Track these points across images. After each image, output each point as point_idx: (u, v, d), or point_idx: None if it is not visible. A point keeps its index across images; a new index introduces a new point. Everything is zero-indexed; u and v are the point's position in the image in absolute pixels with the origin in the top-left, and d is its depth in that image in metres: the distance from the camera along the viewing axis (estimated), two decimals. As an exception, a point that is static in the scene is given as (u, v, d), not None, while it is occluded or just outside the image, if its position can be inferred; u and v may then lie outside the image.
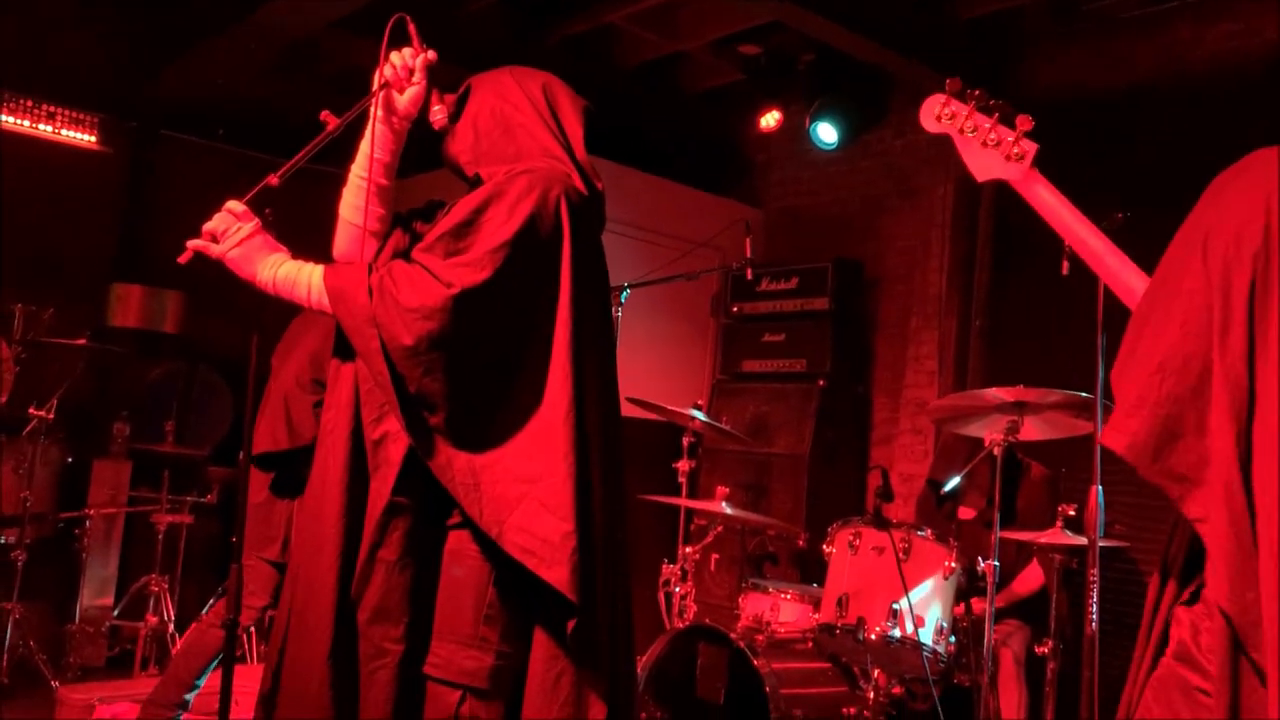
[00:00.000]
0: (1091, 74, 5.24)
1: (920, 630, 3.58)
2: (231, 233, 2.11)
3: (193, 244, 2.10)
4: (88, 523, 5.13)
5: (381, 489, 2.06)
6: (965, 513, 4.34)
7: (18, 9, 5.54)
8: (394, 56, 2.17)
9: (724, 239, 5.67)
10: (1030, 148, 1.91)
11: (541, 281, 2.09)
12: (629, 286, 4.35)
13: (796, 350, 5.79)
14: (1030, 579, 4.14)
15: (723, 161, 6.91)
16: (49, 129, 6.01)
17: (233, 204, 2.13)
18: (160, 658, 4.92)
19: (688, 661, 3.96)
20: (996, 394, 3.52)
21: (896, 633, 3.58)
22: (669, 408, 4.42)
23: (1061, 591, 3.71)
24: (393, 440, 2.06)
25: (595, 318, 2.20)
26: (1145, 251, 1.79)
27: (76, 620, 5.06)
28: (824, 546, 3.91)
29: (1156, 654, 1.68)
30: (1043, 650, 3.68)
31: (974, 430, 3.70)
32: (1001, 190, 2.14)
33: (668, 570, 4.41)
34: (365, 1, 4.75)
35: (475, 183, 2.22)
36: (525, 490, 2.00)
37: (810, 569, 5.17)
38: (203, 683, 3.47)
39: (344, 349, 2.15)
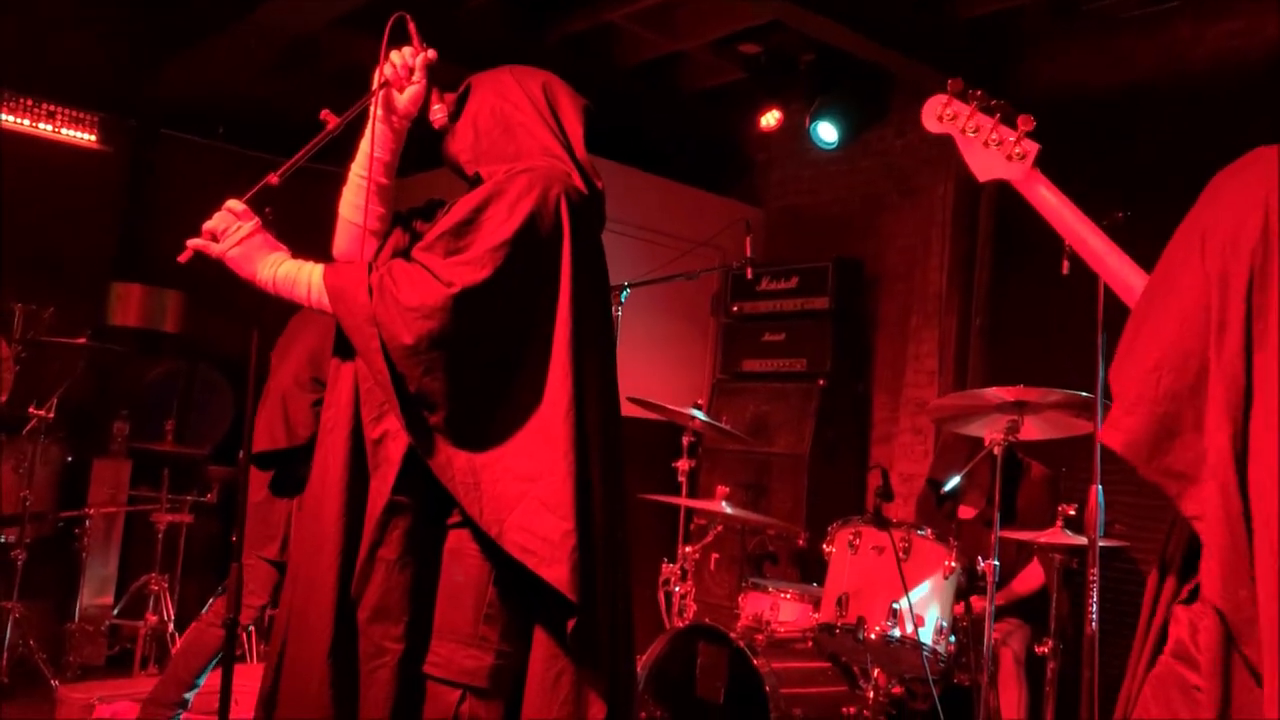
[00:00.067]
0: (1092, 73, 5.23)
1: (920, 630, 3.58)
2: (231, 232, 2.11)
3: (193, 243, 2.10)
4: (88, 522, 5.13)
5: (381, 488, 2.06)
6: (965, 512, 4.34)
7: (18, 8, 5.54)
8: (394, 55, 2.17)
9: (724, 238, 5.67)
10: (1032, 147, 1.92)
11: (542, 280, 2.09)
12: (629, 286, 4.36)
13: (796, 349, 5.79)
14: (1030, 578, 4.14)
15: (723, 161, 6.91)
16: (49, 128, 6.00)
17: (233, 203, 2.13)
18: (160, 657, 4.92)
19: (687, 661, 3.96)
20: (997, 393, 3.52)
21: (896, 632, 3.58)
22: (669, 407, 4.42)
23: (1062, 591, 3.71)
24: (393, 439, 2.06)
25: (595, 317, 2.19)
26: (1146, 251, 1.79)
27: (76, 619, 5.06)
28: (824, 546, 3.91)
29: (1155, 652, 1.68)
30: (1043, 650, 3.68)
31: (974, 430, 3.70)
32: (1002, 189, 2.14)
33: (667, 569, 4.41)
34: (365, 0, 4.75)
35: (475, 182, 2.22)
36: (525, 489, 2.00)
37: (810, 568, 5.17)
38: (202, 682, 3.47)
39: (344, 348, 2.14)
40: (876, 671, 3.77)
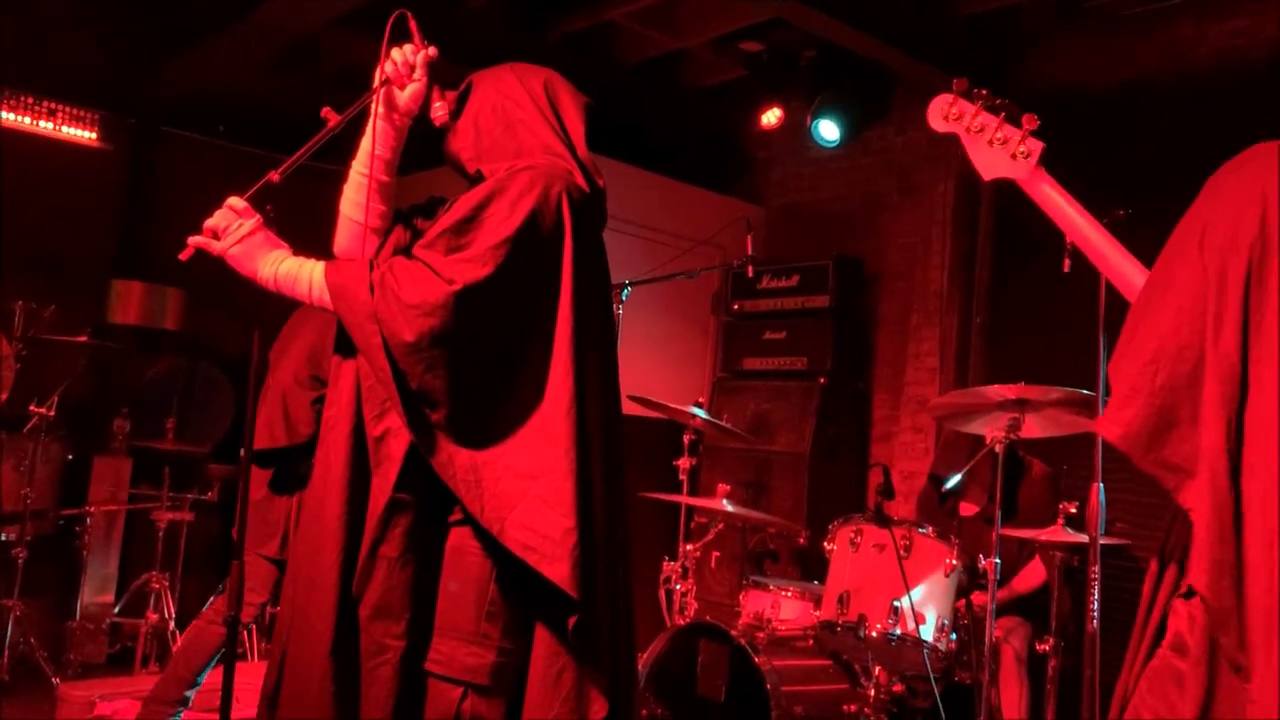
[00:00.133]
0: (1093, 71, 5.23)
1: (921, 627, 3.58)
2: (233, 229, 2.11)
3: (194, 241, 2.10)
4: (88, 520, 5.13)
5: (383, 485, 2.05)
6: (966, 509, 4.34)
7: (18, 7, 5.54)
8: (395, 53, 2.17)
9: (725, 236, 5.67)
10: (1036, 146, 1.93)
11: (543, 278, 2.09)
12: (630, 284, 4.36)
13: (797, 348, 5.79)
14: (1032, 576, 4.14)
15: (724, 158, 6.91)
16: (49, 126, 6.01)
17: (234, 200, 2.12)
18: (161, 655, 4.92)
19: (688, 659, 3.96)
20: (997, 391, 3.52)
21: (898, 630, 3.58)
22: (670, 405, 4.42)
23: (1063, 589, 3.71)
24: (394, 437, 2.06)
25: (596, 315, 2.19)
26: (1147, 249, 1.80)
27: (77, 617, 5.07)
28: (825, 544, 3.91)
29: (1153, 646, 1.68)
30: (1044, 647, 3.68)
31: (975, 427, 3.69)
32: (1002, 187, 2.15)
33: (668, 567, 4.41)
34: (365, -1, 4.76)
35: (476, 179, 2.22)
36: (526, 486, 2.00)
37: (811, 566, 5.17)
38: (203, 679, 3.47)
39: (345, 345, 2.14)
40: (878, 669, 3.77)
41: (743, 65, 6.26)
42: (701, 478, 5.56)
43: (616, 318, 3.96)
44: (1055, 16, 5.38)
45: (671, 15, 5.78)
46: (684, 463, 4.62)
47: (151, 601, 4.96)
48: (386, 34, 2.14)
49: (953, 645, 3.66)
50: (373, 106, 2.19)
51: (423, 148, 2.36)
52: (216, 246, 2.11)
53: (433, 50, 2.18)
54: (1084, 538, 3.43)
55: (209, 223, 2.12)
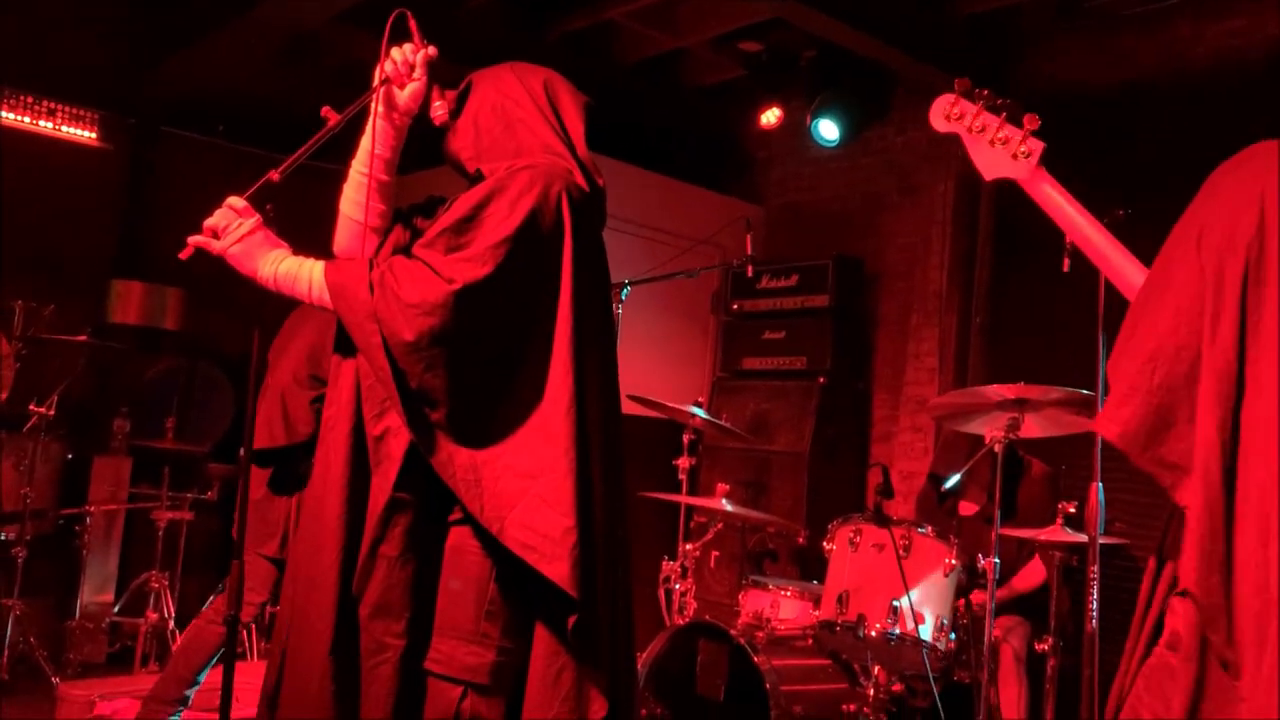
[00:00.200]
0: (1092, 71, 5.23)
1: (920, 627, 3.58)
2: (232, 229, 2.11)
3: (194, 240, 2.10)
4: (88, 519, 5.13)
5: (383, 485, 2.06)
6: (966, 509, 4.34)
7: (18, 7, 5.54)
8: (394, 52, 2.17)
9: (724, 236, 5.67)
10: (1037, 146, 1.93)
11: (543, 277, 2.09)
12: (630, 283, 4.36)
13: (797, 347, 5.79)
14: (1031, 575, 4.14)
15: (723, 158, 6.91)
16: (49, 125, 6.01)
17: (233, 200, 2.13)
18: (161, 654, 4.92)
19: (688, 658, 3.96)
20: (997, 391, 3.52)
21: (897, 629, 3.58)
22: (669, 405, 4.42)
23: (1062, 588, 3.71)
24: (394, 436, 2.06)
25: (596, 314, 2.19)
26: (1146, 249, 1.80)
27: (77, 617, 5.07)
28: (824, 543, 3.92)
29: (1150, 643, 1.69)
30: (1043, 647, 3.68)
31: (974, 427, 3.70)
32: (1002, 187, 2.15)
33: (668, 567, 4.41)
34: (365, -3, 4.76)
35: (476, 179, 2.22)
36: (526, 486, 2.00)
37: (810, 566, 5.17)
38: (203, 679, 3.47)
39: (345, 345, 2.14)
40: (877, 669, 3.77)
41: (742, 65, 6.27)
42: (701, 477, 5.56)
43: (616, 317, 3.96)
44: (1055, 16, 5.38)
45: (671, 15, 5.79)
46: (683, 462, 4.62)
47: (151, 601, 4.96)
48: (386, 33, 2.14)
49: (952, 645, 3.66)
50: (372, 106, 2.19)
51: (423, 147, 2.36)
52: (216, 246, 2.11)
53: (432, 49, 2.18)
54: (1083, 537, 3.44)
55: (209, 222, 2.12)
